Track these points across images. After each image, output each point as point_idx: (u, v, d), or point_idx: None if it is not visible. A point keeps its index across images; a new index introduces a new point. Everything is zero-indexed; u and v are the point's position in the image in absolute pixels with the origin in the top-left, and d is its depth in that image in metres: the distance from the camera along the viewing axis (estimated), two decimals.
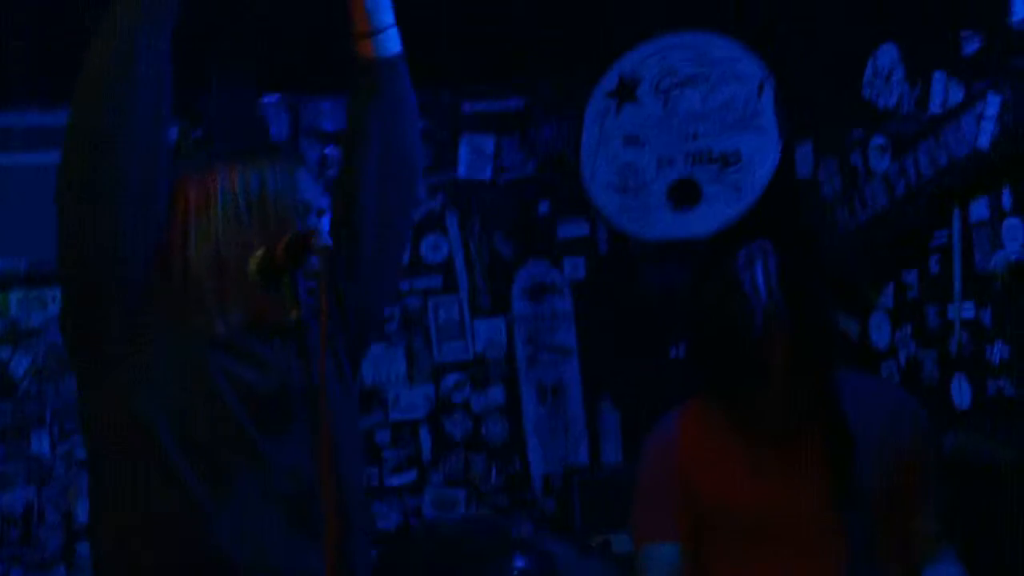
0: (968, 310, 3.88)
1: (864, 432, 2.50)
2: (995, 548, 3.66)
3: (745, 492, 2.54)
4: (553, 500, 5.22)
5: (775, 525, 2.55)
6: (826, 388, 2.49)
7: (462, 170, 5.36)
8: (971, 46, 3.68)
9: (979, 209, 3.76)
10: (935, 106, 3.90)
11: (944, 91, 3.86)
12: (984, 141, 3.53)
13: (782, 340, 2.34)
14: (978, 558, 3.06)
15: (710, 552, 2.61)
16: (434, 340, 5.29)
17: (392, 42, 2.44)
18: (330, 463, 1.84)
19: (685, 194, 5.04)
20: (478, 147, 5.37)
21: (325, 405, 1.89)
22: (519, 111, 5.45)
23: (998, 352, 3.76)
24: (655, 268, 5.16)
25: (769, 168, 4.87)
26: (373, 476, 5.17)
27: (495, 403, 5.32)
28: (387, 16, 2.43)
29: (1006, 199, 3.63)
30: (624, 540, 4.64)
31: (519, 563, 4.21)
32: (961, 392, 3.95)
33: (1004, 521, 3.77)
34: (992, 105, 3.48)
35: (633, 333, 5.17)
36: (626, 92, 5.15)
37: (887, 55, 4.18)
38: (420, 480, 5.23)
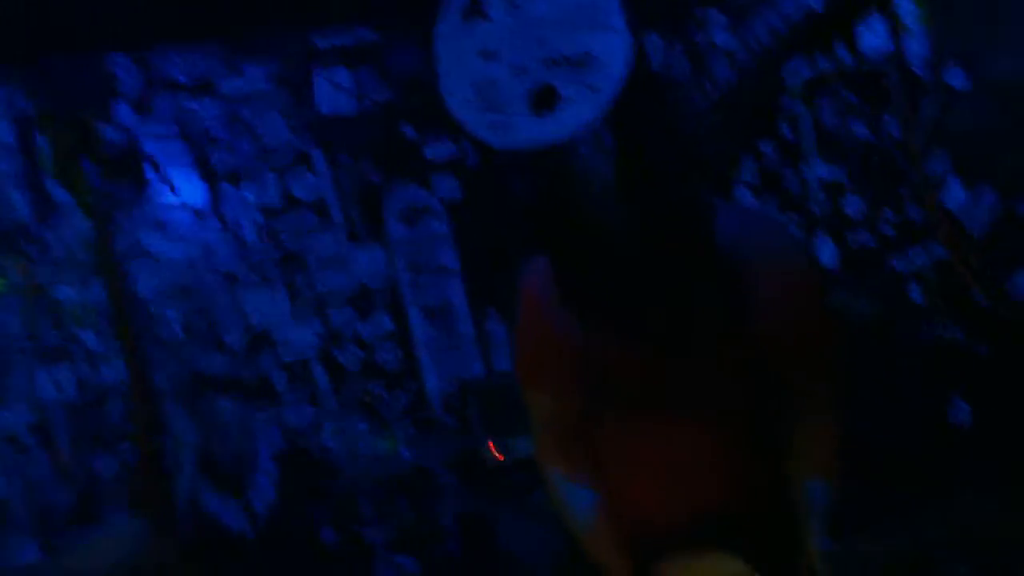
0: (822, 169, 4.00)
1: (745, 282, 2.30)
2: (864, 402, 3.79)
3: (617, 351, 2.37)
4: (454, 416, 5.28)
5: (651, 389, 2.40)
6: (693, 257, 2.24)
7: (323, 106, 5.37)
8: None
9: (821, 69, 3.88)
10: None
11: None
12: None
13: (633, 220, 2.12)
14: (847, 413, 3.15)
15: (593, 409, 2.50)
16: (315, 275, 5.31)
17: None
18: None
19: (544, 100, 5.09)
20: (334, 80, 5.37)
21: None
22: (373, 41, 5.45)
23: (854, 204, 3.88)
24: (524, 177, 5.21)
25: (622, 63, 4.93)
26: (272, 419, 5.20)
27: (384, 330, 5.36)
28: None
29: (843, 56, 3.73)
30: (525, 444, 4.71)
31: None
32: (826, 250, 4.07)
33: (873, 374, 3.91)
34: None
35: (510, 243, 5.22)
36: (475, 8, 5.18)
37: None
38: (318, 416, 5.26)
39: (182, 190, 5.22)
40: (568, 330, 2.42)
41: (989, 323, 3.40)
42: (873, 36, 3.53)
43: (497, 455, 4.80)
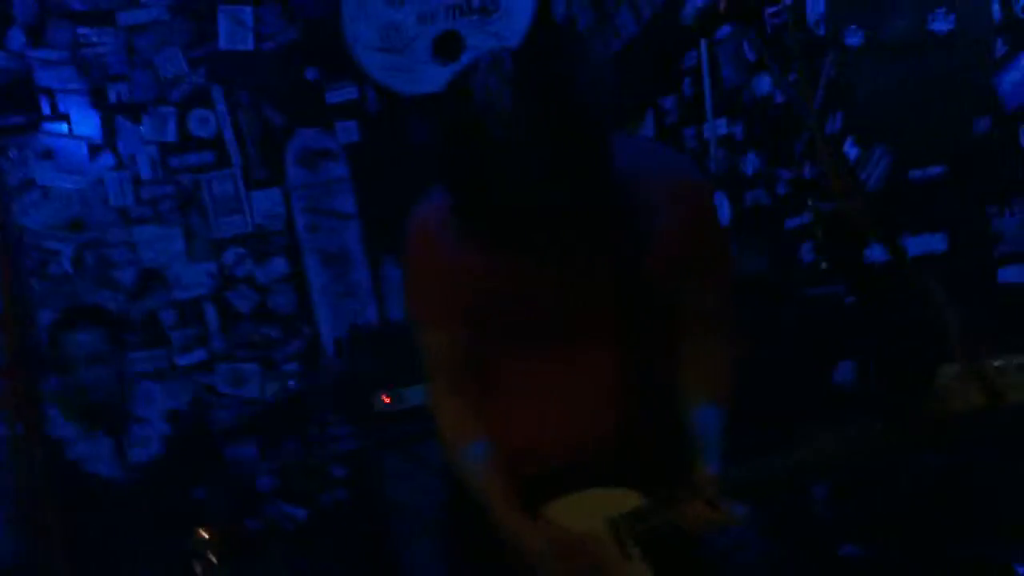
0: (721, 127, 4.01)
1: (641, 208, 2.33)
2: (754, 359, 3.82)
3: (512, 285, 2.38)
4: (346, 362, 5.24)
5: (544, 323, 2.42)
6: (591, 182, 2.15)
7: (223, 42, 5.26)
8: None
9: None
10: None
11: None
12: None
13: (528, 144, 2.06)
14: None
15: (484, 343, 2.51)
16: (211, 215, 5.22)
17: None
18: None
19: (449, 48, 5.06)
20: (237, 17, 5.27)
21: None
22: None
23: (751, 163, 3.90)
24: (426, 124, 5.18)
25: (527, 13, 4.92)
26: (161, 357, 5.12)
27: (279, 274, 5.29)
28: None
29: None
30: (417, 393, 4.69)
31: None
32: (721, 208, 4.09)
33: (762, 331, 3.94)
34: None
35: (411, 190, 5.16)
36: None
37: None
38: (210, 357, 5.20)
39: (76, 122, 5.11)
40: (462, 262, 2.39)
41: (877, 282, 3.44)
42: None
43: (384, 400, 4.77)
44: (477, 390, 2.58)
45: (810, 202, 3.47)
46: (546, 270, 2.37)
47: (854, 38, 3.35)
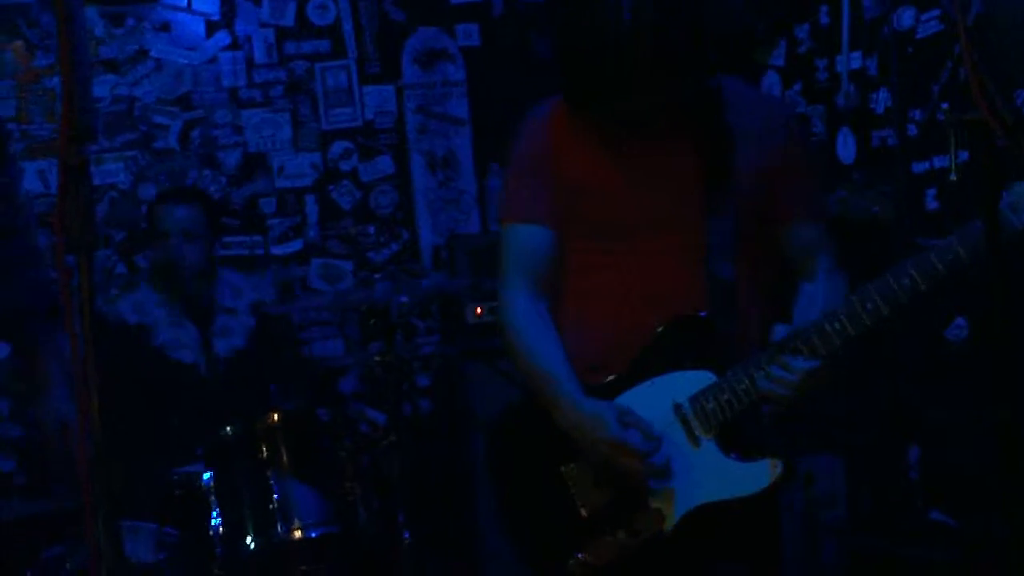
0: (855, 60, 3.81)
1: (738, 133, 2.47)
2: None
3: (608, 179, 2.50)
4: (443, 271, 5.14)
5: (636, 220, 2.50)
6: (698, 89, 2.44)
7: None
8: None
9: None
10: None
11: None
12: None
13: (648, 39, 2.27)
14: None
15: (570, 244, 2.57)
16: (321, 106, 5.13)
17: None
18: None
19: None
20: None
21: None
22: None
23: (882, 100, 3.70)
24: (549, 33, 5.03)
25: None
26: (259, 245, 5.06)
27: (384, 172, 5.19)
28: None
29: None
30: None
31: None
32: (847, 146, 3.90)
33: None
34: None
35: (527, 100, 5.02)
36: None
37: None
38: (306, 250, 5.12)
39: None
40: (562, 154, 2.50)
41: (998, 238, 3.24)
42: None
43: (478, 312, 4.67)
44: (553, 294, 2.59)
45: (950, 114, 3.26)
46: (643, 162, 2.47)
47: None
